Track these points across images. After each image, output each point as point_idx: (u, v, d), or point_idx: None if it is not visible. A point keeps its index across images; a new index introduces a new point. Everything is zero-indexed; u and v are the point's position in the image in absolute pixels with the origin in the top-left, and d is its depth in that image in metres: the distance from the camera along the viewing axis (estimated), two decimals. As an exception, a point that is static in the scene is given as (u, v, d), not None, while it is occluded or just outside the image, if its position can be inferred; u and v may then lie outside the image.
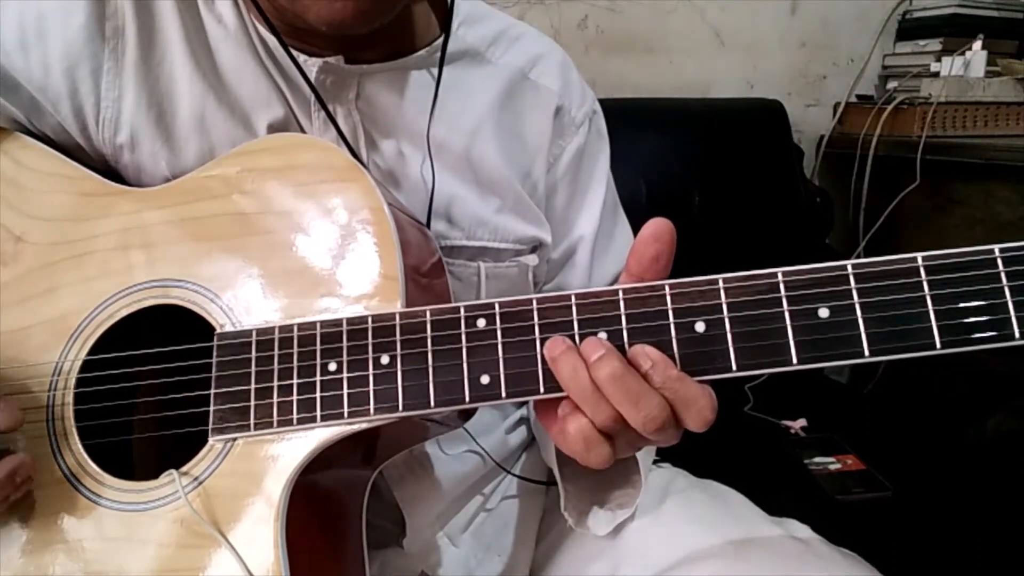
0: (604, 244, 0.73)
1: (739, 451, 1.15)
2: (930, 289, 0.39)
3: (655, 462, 0.70)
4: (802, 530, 0.62)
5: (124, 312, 0.52)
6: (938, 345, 0.39)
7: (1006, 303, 0.38)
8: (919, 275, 0.40)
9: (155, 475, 0.49)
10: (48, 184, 0.56)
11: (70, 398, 0.51)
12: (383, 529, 0.64)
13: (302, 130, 0.59)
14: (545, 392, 0.43)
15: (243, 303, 0.50)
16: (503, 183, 0.64)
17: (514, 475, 0.72)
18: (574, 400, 0.43)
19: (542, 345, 0.43)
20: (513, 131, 0.66)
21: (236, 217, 0.52)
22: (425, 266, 0.54)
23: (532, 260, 0.67)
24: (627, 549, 0.62)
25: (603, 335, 0.43)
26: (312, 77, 0.57)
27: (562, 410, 0.44)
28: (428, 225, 0.61)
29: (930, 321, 0.39)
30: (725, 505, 0.65)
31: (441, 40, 0.62)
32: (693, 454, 0.71)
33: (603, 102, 0.74)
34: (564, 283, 0.72)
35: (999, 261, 0.39)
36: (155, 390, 0.52)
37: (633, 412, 0.41)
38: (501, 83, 0.65)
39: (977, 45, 1.59)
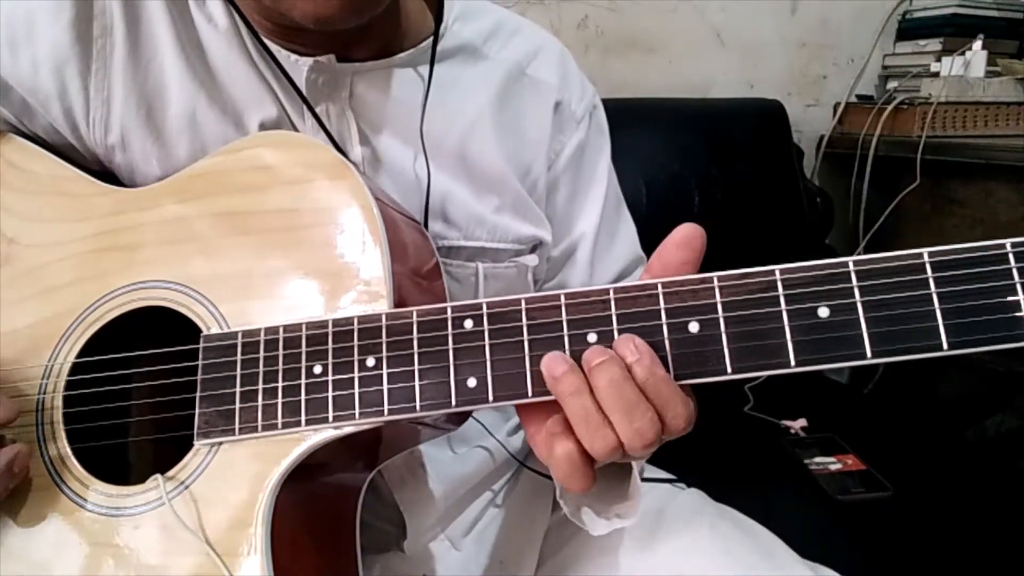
0: (606, 241, 0.71)
1: (739, 451, 1.14)
2: (936, 287, 0.37)
3: (673, 483, 0.69)
4: None
5: (114, 314, 0.51)
6: (945, 346, 0.37)
7: (1019, 301, 0.36)
8: (925, 272, 0.38)
9: (145, 478, 0.48)
10: (40, 185, 0.56)
11: (59, 401, 0.51)
12: (384, 531, 0.63)
13: (295, 130, 0.58)
14: (533, 396, 0.42)
15: (229, 304, 0.49)
16: (502, 181, 0.63)
17: (527, 467, 0.71)
18: (572, 424, 0.41)
19: (530, 347, 0.42)
20: (512, 128, 0.65)
21: (223, 217, 0.51)
22: (420, 266, 0.53)
23: (532, 260, 0.66)
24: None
25: (593, 336, 0.41)
26: (303, 77, 0.56)
27: (553, 426, 0.42)
28: (425, 224, 0.60)
29: (936, 320, 0.37)
30: (756, 540, 0.64)
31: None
32: (693, 455, 0.71)
33: (603, 102, 0.73)
34: (565, 281, 0.71)
35: (1011, 256, 0.37)
36: (143, 393, 0.52)
37: (624, 423, 0.39)
38: (498, 79, 0.64)
39: (977, 45, 1.58)
